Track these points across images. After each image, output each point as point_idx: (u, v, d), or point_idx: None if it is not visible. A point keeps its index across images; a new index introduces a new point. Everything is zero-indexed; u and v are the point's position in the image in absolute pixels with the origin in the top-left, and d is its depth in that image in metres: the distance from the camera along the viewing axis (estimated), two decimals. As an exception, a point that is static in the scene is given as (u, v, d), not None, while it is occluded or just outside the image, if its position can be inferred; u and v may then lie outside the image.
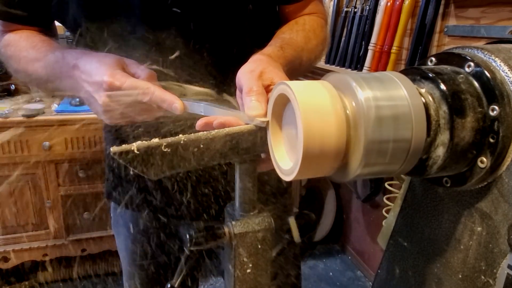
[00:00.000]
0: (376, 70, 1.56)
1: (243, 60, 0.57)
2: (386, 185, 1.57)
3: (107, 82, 0.53)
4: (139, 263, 0.88)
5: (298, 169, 0.36)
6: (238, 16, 0.68)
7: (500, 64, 0.39)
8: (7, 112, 1.65)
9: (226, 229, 0.50)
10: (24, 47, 0.68)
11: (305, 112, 0.35)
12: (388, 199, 1.53)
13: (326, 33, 0.77)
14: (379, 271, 0.57)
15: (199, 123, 0.50)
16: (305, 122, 0.35)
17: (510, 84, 0.37)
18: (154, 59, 0.66)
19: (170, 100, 0.53)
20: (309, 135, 0.35)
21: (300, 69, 0.69)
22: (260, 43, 0.66)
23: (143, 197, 0.79)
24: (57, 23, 0.75)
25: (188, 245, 0.49)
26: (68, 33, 1.61)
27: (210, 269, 0.87)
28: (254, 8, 0.69)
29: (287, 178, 0.40)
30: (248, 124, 0.46)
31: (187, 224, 0.82)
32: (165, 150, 0.41)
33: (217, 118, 0.48)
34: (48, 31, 0.74)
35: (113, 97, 0.54)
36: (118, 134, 0.76)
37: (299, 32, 0.70)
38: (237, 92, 0.55)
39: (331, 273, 2.20)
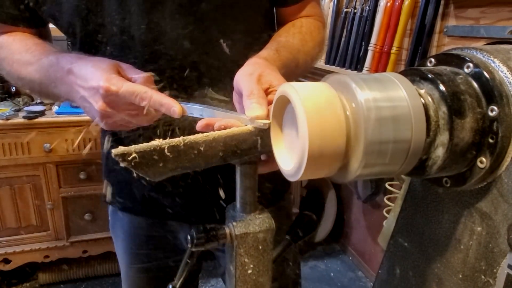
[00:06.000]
0: (376, 70, 1.56)
1: (241, 61, 0.57)
2: (386, 185, 1.58)
3: (104, 87, 0.52)
4: (137, 266, 0.88)
5: (303, 171, 0.37)
6: (235, 19, 0.68)
7: (499, 65, 0.39)
8: (8, 114, 1.66)
9: (227, 230, 0.50)
10: (17, 50, 0.67)
11: (306, 113, 0.35)
12: (388, 199, 1.53)
13: (323, 35, 0.78)
14: (379, 271, 0.57)
15: (200, 124, 0.50)
16: (307, 124, 0.35)
17: (509, 85, 0.38)
18: (148, 62, 0.65)
19: (168, 103, 0.53)
20: (310, 136, 0.35)
21: (297, 71, 0.69)
22: (257, 46, 0.66)
23: (140, 200, 0.79)
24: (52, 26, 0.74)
25: (189, 246, 0.49)
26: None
27: (210, 271, 0.87)
28: (251, 10, 0.69)
29: (291, 178, 0.40)
30: (249, 126, 0.47)
31: (186, 227, 0.82)
32: (165, 152, 0.41)
33: (218, 121, 0.48)
34: (43, 34, 0.73)
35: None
36: (115, 137, 0.75)
37: (296, 35, 0.70)
38: (235, 95, 0.55)
39: (332, 274, 2.20)
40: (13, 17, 0.67)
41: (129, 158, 0.40)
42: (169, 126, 0.64)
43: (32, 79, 0.65)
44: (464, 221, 0.43)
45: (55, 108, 1.80)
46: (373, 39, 1.57)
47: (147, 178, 0.43)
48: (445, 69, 0.40)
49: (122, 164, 0.40)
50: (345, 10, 1.80)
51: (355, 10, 1.73)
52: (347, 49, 1.76)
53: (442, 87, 0.37)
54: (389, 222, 0.57)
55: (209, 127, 0.49)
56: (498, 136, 0.37)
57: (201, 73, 0.67)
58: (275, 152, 0.44)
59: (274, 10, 0.77)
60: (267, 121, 0.45)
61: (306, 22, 0.75)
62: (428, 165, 0.39)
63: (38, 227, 1.85)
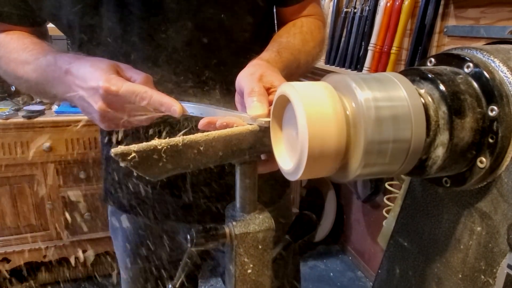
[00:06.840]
0: (376, 70, 1.56)
1: (241, 62, 0.57)
2: (386, 185, 1.58)
3: (103, 87, 0.52)
4: (137, 266, 0.88)
5: (302, 170, 0.36)
6: (235, 19, 0.68)
7: (499, 65, 0.39)
8: (7, 113, 1.66)
9: (226, 230, 0.50)
10: (14, 49, 0.66)
11: (306, 113, 0.35)
12: (388, 199, 1.53)
13: (324, 34, 0.77)
14: (379, 271, 0.57)
15: (202, 122, 0.50)
16: (307, 124, 0.35)
17: (509, 85, 0.38)
18: (148, 62, 0.65)
19: (168, 103, 0.52)
20: (310, 136, 0.35)
21: (298, 71, 0.69)
22: (258, 45, 0.66)
23: (140, 200, 0.79)
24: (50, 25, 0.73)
25: (189, 245, 0.49)
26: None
27: (210, 271, 0.87)
28: (252, 10, 0.69)
29: (290, 178, 0.40)
30: (249, 124, 0.46)
31: (185, 227, 0.81)
32: (165, 151, 0.41)
33: (219, 119, 0.48)
34: (41, 33, 0.73)
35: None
36: (114, 137, 0.75)
37: (296, 35, 0.70)
38: (236, 96, 0.55)
39: (331, 274, 2.20)
40: (11, 16, 0.67)
41: (128, 158, 0.40)
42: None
43: (29, 79, 0.64)
44: (464, 221, 0.43)
45: (54, 107, 1.80)
46: (373, 39, 1.57)
47: (147, 178, 0.43)
48: (445, 69, 0.40)
49: (121, 164, 0.40)
50: (345, 10, 1.80)
51: (355, 10, 1.72)
52: (347, 49, 1.76)
53: (442, 87, 0.37)
54: (389, 222, 0.57)
55: (210, 125, 0.49)
56: (498, 136, 0.37)
57: (201, 73, 0.67)
58: (275, 151, 0.44)
59: (274, 10, 0.77)
60: (268, 119, 0.45)
61: (307, 21, 0.74)
62: (428, 165, 0.39)
63: (37, 226, 1.85)
